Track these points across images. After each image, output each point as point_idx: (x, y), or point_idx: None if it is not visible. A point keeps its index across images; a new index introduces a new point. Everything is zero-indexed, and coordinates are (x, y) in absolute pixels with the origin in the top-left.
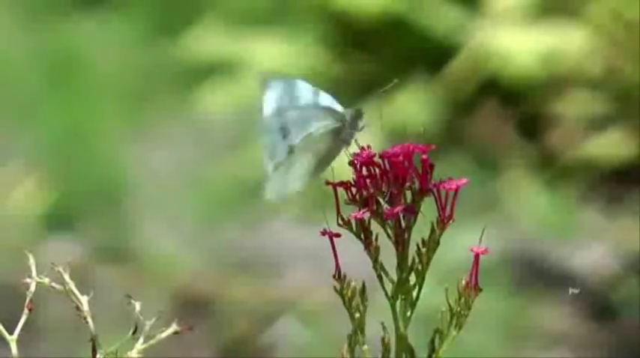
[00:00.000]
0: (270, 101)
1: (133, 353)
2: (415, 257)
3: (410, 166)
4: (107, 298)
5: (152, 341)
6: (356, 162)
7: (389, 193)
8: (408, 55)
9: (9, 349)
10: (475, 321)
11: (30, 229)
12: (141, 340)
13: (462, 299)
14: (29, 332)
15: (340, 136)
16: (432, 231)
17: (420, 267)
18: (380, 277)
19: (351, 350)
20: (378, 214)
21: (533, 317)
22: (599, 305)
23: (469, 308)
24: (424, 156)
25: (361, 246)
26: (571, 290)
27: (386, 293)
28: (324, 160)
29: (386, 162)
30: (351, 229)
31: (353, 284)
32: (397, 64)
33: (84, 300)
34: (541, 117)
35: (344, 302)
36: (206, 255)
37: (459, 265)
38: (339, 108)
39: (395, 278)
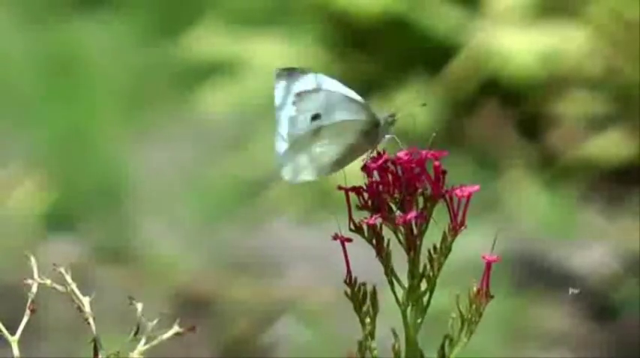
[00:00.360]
0: (290, 88)
1: (135, 354)
2: (426, 263)
3: (422, 172)
4: (107, 298)
5: (154, 342)
6: (369, 167)
7: (401, 199)
8: (408, 55)
9: (11, 350)
10: None
11: (30, 229)
12: (142, 341)
13: (473, 306)
14: (30, 333)
15: (369, 138)
16: (444, 237)
17: (431, 274)
18: (391, 283)
19: (362, 354)
20: (390, 220)
21: (533, 318)
22: (599, 305)
23: (480, 315)
24: (437, 163)
25: (367, 250)
26: (571, 290)
27: (397, 300)
28: (347, 156)
29: (398, 167)
30: (362, 235)
31: (363, 288)
32: (397, 64)
33: (86, 301)
34: (541, 117)
35: (354, 307)
36: (206, 255)
37: (460, 266)
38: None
39: (406, 284)
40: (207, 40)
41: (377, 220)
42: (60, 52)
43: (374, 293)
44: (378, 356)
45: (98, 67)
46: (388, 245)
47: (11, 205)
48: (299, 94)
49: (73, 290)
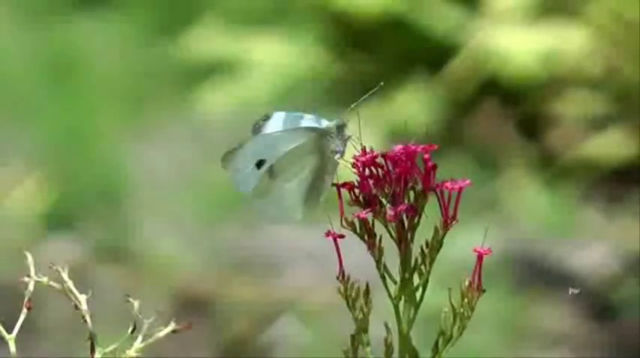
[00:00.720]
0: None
1: (132, 352)
2: (418, 258)
3: (413, 167)
4: (107, 298)
5: (151, 340)
6: (358, 163)
7: (392, 194)
8: (408, 55)
9: (8, 348)
10: (475, 321)
11: (30, 229)
12: (139, 339)
13: (465, 301)
14: (28, 332)
15: (330, 149)
16: (436, 231)
17: (423, 268)
18: (383, 278)
19: (355, 350)
20: (381, 215)
21: (533, 317)
22: (599, 305)
23: (472, 310)
24: (427, 157)
25: (364, 247)
26: (571, 290)
27: (389, 294)
28: (320, 176)
29: (389, 162)
30: (354, 230)
31: (356, 285)
32: (397, 64)
33: (82, 299)
34: (541, 117)
35: (347, 304)
36: (206, 255)
37: (459, 265)
38: (321, 124)
39: (398, 279)
40: (206, 40)
41: (367, 214)
42: (60, 52)
43: (367, 289)
44: (372, 352)
45: (98, 67)
46: (380, 240)
47: (11, 205)
48: (223, 157)
49: (69, 288)
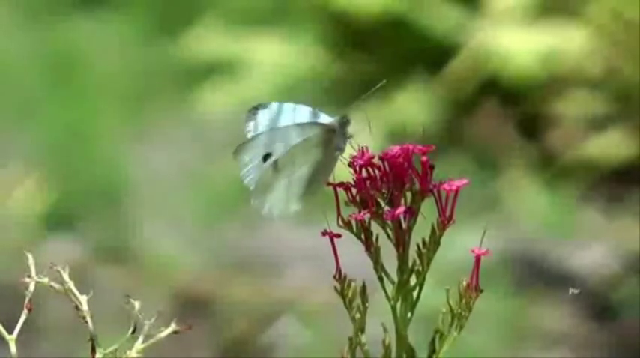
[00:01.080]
0: (251, 130)
1: (133, 352)
2: (416, 258)
3: (410, 167)
4: (107, 298)
5: (151, 341)
6: (355, 163)
7: (389, 194)
8: (408, 55)
9: (8, 349)
10: (475, 321)
11: (30, 229)
12: (140, 339)
13: (463, 301)
14: (29, 332)
15: (332, 145)
16: (433, 232)
17: (420, 269)
18: (381, 278)
19: (352, 350)
20: (378, 215)
21: (533, 317)
22: (599, 305)
23: (470, 310)
24: (424, 158)
25: (361, 247)
26: (571, 290)
27: (387, 295)
28: (320, 172)
29: (386, 163)
30: (351, 230)
31: (353, 284)
32: (397, 64)
33: (83, 300)
34: (541, 117)
35: (344, 303)
36: (206, 255)
37: (458, 265)
38: (324, 119)
39: (395, 279)
40: (206, 40)
41: (365, 216)
42: (60, 52)
43: (364, 289)
44: (369, 352)
45: (98, 67)
46: (377, 240)
47: (11, 205)
48: (235, 150)
49: (70, 289)
